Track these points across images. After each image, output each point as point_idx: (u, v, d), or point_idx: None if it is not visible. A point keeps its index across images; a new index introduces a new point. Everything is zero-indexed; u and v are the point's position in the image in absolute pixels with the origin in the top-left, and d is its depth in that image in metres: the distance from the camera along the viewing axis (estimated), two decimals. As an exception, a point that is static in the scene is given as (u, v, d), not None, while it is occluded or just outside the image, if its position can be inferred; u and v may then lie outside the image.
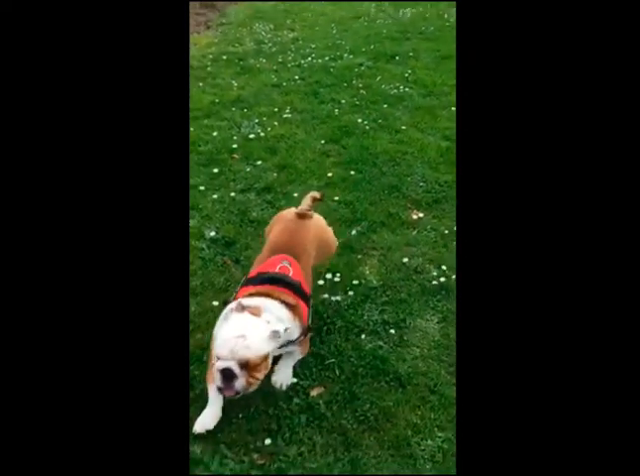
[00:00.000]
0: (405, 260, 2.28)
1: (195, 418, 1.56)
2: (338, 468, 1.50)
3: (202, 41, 5.26)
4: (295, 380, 1.74)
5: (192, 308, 2.07)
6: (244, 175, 2.98)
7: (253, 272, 1.83)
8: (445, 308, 2.04)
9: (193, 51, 5.03)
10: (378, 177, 2.90)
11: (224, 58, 4.75)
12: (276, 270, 1.74)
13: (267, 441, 1.56)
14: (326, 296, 2.10)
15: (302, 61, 4.59)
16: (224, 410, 1.60)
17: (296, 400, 1.69)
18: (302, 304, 1.71)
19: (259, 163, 3.08)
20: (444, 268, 2.23)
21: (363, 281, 2.18)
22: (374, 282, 2.18)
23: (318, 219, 2.01)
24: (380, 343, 1.90)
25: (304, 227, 1.90)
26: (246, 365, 1.45)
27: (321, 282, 2.16)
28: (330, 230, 2.10)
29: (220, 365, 1.45)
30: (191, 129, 3.51)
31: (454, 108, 3.59)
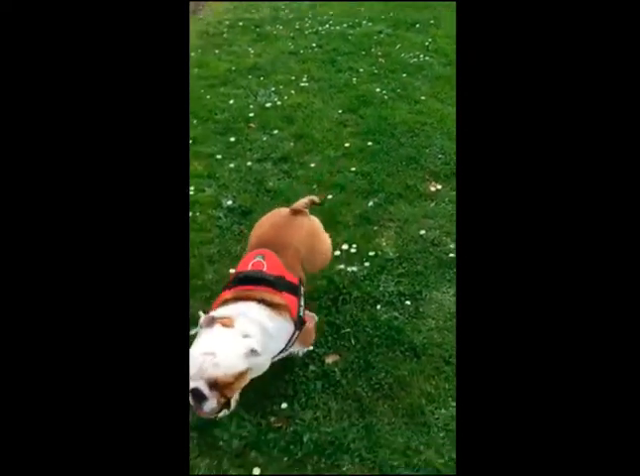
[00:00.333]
0: (422, 232, 2.27)
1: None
2: (352, 433, 1.53)
3: (218, 7, 5.15)
4: (311, 348, 1.77)
5: (210, 276, 2.10)
6: (260, 144, 2.96)
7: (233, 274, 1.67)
8: (461, 281, 2.03)
9: (209, 17, 4.95)
10: (396, 147, 2.86)
11: (240, 24, 4.66)
12: (249, 267, 1.57)
13: (284, 405, 1.60)
14: (342, 266, 2.11)
15: (320, 28, 4.48)
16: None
17: (312, 367, 1.72)
18: (288, 297, 1.54)
19: (275, 132, 3.06)
20: (461, 241, 2.21)
21: (379, 252, 2.18)
22: (391, 253, 2.18)
23: (314, 221, 1.85)
24: (396, 314, 1.91)
25: (295, 224, 1.73)
26: (215, 385, 1.29)
27: (337, 252, 2.17)
28: (326, 236, 1.90)
29: (190, 385, 1.29)
30: (207, 97, 3.48)
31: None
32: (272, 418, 1.58)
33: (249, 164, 2.79)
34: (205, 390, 1.28)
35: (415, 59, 3.86)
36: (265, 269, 1.56)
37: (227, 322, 1.38)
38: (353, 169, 2.70)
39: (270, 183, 2.64)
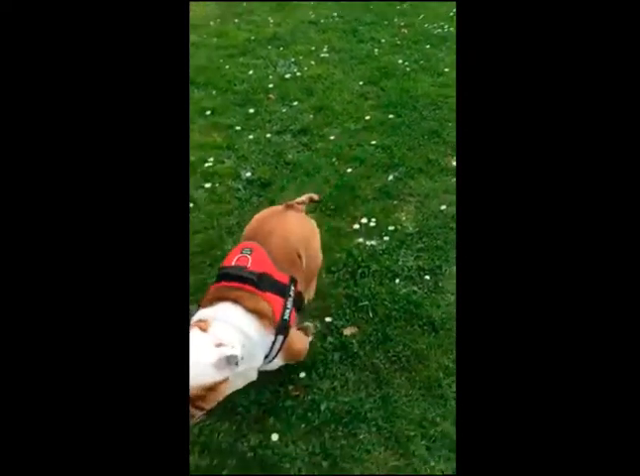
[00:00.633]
0: (443, 207, 2.24)
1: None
2: (369, 403, 1.55)
3: (237, -26, 5.03)
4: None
5: (229, 247, 2.10)
6: (280, 115, 2.93)
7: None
8: (481, 257, 2.01)
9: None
10: (418, 121, 2.80)
11: (259, -8, 4.56)
12: (233, 263, 1.42)
13: (302, 375, 1.62)
14: (361, 240, 2.10)
15: (341, -3, 4.37)
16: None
17: (330, 338, 1.74)
18: (271, 297, 1.37)
19: (295, 103, 3.02)
20: (482, 216, 2.18)
21: (399, 227, 2.17)
22: (410, 228, 2.16)
23: (310, 222, 1.71)
24: (415, 288, 1.90)
25: (285, 214, 1.60)
26: None
27: (356, 226, 2.16)
28: (318, 241, 1.70)
29: None
30: (227, 67, 3.44)
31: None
32: (291, 387, 1.61)
33: (268, 135, 2.77)
34: None
35: (439, 30, 3.75)
36: (249, 264, 1.40)
37: (202, 326, 1.25)
38: (373, 142, 2.66)
39: (290, 156, 2.62)
